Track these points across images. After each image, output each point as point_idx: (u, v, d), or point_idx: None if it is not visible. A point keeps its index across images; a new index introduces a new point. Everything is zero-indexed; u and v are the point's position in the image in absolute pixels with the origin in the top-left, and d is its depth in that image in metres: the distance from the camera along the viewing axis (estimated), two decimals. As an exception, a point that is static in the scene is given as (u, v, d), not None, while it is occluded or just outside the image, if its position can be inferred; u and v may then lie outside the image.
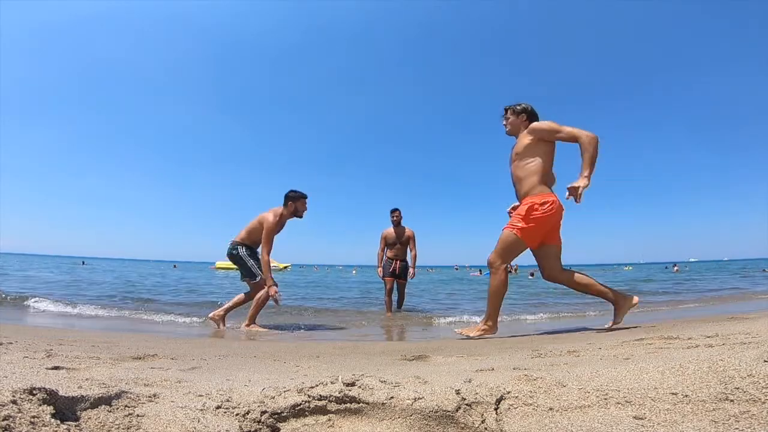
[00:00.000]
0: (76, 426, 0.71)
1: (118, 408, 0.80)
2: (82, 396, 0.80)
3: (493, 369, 1.24)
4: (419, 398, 0.85)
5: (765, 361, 0.81)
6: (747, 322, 2.16)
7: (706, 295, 6.54)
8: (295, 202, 3.69)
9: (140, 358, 1.63)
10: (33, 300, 4.99)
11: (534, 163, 2.63)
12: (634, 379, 0.86)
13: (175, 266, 32.22)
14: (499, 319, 2.75)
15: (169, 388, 0.98)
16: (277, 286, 3.57)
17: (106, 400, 0.82)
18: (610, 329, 2.61)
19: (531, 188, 2.61)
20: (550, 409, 0.80)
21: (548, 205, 2.54)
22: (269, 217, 3.57)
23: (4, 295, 5.32)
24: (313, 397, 0.89)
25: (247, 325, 3.49)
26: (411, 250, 5.40)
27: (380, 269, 5.32)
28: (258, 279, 3.60)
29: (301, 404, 0.87)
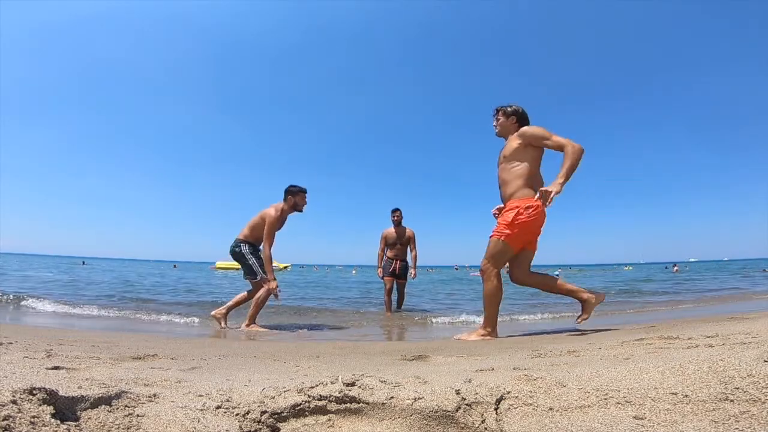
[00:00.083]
0: (76, 426, 0.71)
1: (118, 408, 0.80)
2: (82, 396, 0.80)
3: (493, 369, 1.24)
4: (419, 398, 0.85)
5: (765, 361, 0.81)
6: (747, 322, 2.16)
7: (706, 295, 6.54)
8: (294, 197, 3.72)
9: (140, 358, 1.63)
10: (31, 300, 4.99)
11: (521, 167, 2.64)
12: (634, 379, 0.86)
13: (175, 266, 32.22)
14: (499, 319, 2.75)
15: (169, 388, 0.98)
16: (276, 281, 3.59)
17: (106, 400, 0.82)
18: (578, 322, 2.75)
19: (516, 191, 2.63)
20: (550, 409, 0.80)
21: (532, 209, 2.55)
22: (271, 211, 3.60)
23: (1, 295, 5.32)
24: (313, 397, 0.89)
25: (247, 325, 3.50)
26: (411, 251, 5.41)
27: (380, 270, 5.32)
28: (258, 278, 3.60)
29: (301, 404, 0.87)
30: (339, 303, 6.36)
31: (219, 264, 29.06)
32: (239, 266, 3.82)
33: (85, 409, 0.78)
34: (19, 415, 0.65)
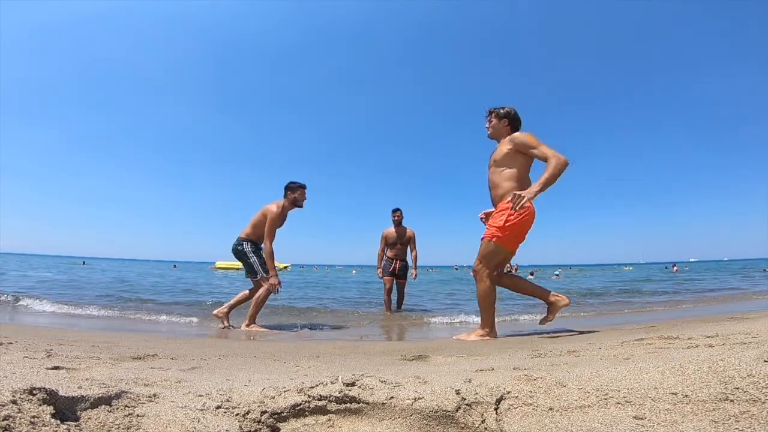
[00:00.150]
0: (76, 426, 0.71)
1: (118, 408, 0.80)
2: (82, 396, 0.80)
3: (493, 369, 1.24)
4: (419, 398, 0.85)
5: (765, 361, 0.81)
6: (747, 322, 2.16)
7: (706, 295, 6.54)
8: (294, 192, 3.75)
9: (140, 358, 1.63)
10: (29, 300, 4.99)
11: (511, 172, 2.66)
12: (634, 379, 0.86)
13: (175, 266, 32.22)
14: (498, 319, 2.75)
15: (169, 388, 0.98)
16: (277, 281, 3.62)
17: (106, 400, 0.82)
18: (542, 324, 2.85)
19: (506, 193, 2.64)
20: (550, 409, 0.80)
21: (523, 210, 2.55)
22: (272, 208, 3.65)
23: (0, 295, 5.32)
24: (313, 397, 0.89)
25: (247, 325, 3.50)
26: (412, 251, 5.41)
27: (380, 270, 5.32)
28: (258, 276, 3.61)
29: (301, 404, 0.87)
30: (339, 303, 6.36)
31: (219, 264, 29.07)
32: (239, 266, 3.83)
33: (85, 409, 0.78)
34: (19, 415, 0.65)
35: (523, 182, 2.67)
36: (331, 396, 0.89)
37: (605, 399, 0.80)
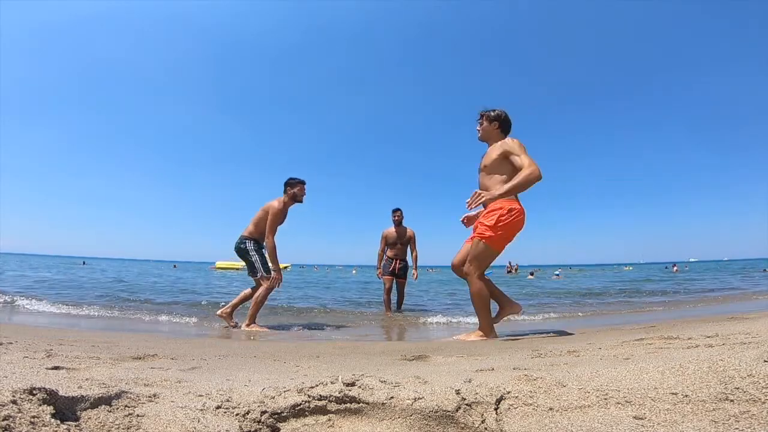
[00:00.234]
0: (76, 426, 0.71)
1: (118, 408, 0.80)
2: (82, 396, 0.80)
3: (493, 369, 1.24)
4: (419, 398, 0.85)
5: (765, 361, 0.81)
6: (747, 322, 2.16)
7: (706, 295, 6.54)
8: (293, 188, 3.78)
9: (140, 358, 1.63)
10: (27, 300, 4.98)
11: (500, 178, 2.68)
12: (634, 379, 0.86)
13: (175, 266, 32.21)
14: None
15: (169, 388, 0.98)
16: (280, 276, 3.68)
17: (106, 400, 0.82)
18: (496, 322, 2.83)
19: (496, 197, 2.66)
20: (550, 409, 0.80)
21: (515, 212, 2.59)
22: (274, 203, 3.69)
23: None
24: (313, 397, 0.89)
25: (247, 325, 3.50)
26: (412, 251, 5.41)
27: (380, 270, 5.32)
28: (258, 275, 3.62)
29: (301, 404, 0.87)
30: (339, 303, 6.36)
31: (219, 264, 29.07)
32: (239, 266, 3.86)
33: (85, 409, 0.78)
34: (19, 415, 0.65)
35: None
36: (331, 396, 0.89)
37: (605, 399, 0.80)
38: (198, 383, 1.06)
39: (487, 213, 2.66)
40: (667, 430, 0.69)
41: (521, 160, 2.54)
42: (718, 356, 0.91)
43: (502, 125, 2.81)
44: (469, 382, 0.93)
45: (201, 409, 0.83)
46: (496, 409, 0.81)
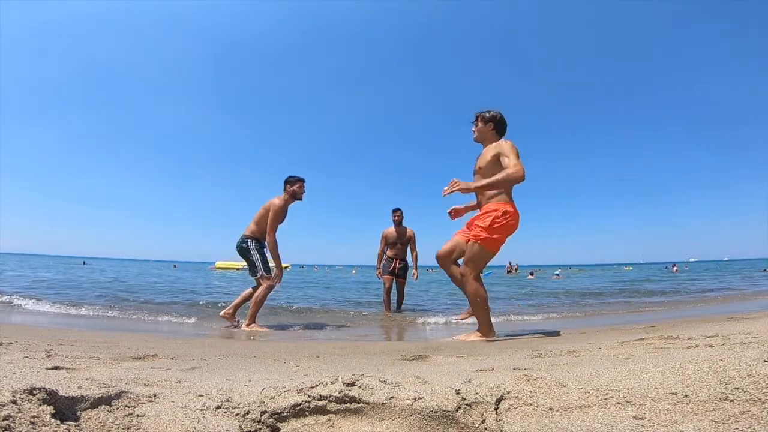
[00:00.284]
0: (76, 426, 0.71)
1: (118, 408, 0.80)
2: (82, 396, 0.80)
3: (493, 369, 1.24)
4: (419, 398, 0.85)
5: (765, 361, 0.81)
6: (747, 322, 2.16)
7: (705, 295, 6.54)
8: (293, 185, 3.80)
9: (140, 358, 1.63)
10: (27, 300, 4.98)
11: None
12: (634, 379, 0.86)
13: (175, 266, 32.20)
14: (497, 319, 2.76)
15: (169, 388, 0.98)
16: (281, 274, 3.74)
17: (106, 400, 0.82)
18: (459, 320, 2.97)
19: (492, 197, 2.69)
20: (550, 409, 0.80)
21: (510, 214, 2.63)
22: (275, 201, 3.72)
23: None
24: (313, 397, 0.89)
25: (247, 325, 3.51)
26: (412, 252, 5.41)
27: (379, 270, 5.32)
28: (258, 275, 3.63)
29: (301, 404, 0.87)
30: (339, 303, 6.36)
31: (218, 264, 29.07)
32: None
33: (85, 409, 0.78)
34: (19, 415, 0.65)
35: (507, 190, 2.71)
36: (331, 396, 0.89)
37: (605, 399, 0.80)
38: (198, 383, 1.06)
39: (482, 215, 2.68)
40: (667, 430, 0.69)
41: (509, 160, 2.57)
42: (718, 356, 0.91)
43: (497, 126, 2.83)
44: (469, 382, 0.93)
45: (201, 409, 0.83)
46: (496, 409, 0.81)
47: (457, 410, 0.82)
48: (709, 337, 1.62)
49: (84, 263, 29.87)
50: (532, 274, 16.96)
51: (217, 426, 0.77)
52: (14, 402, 0.67)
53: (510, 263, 22.68)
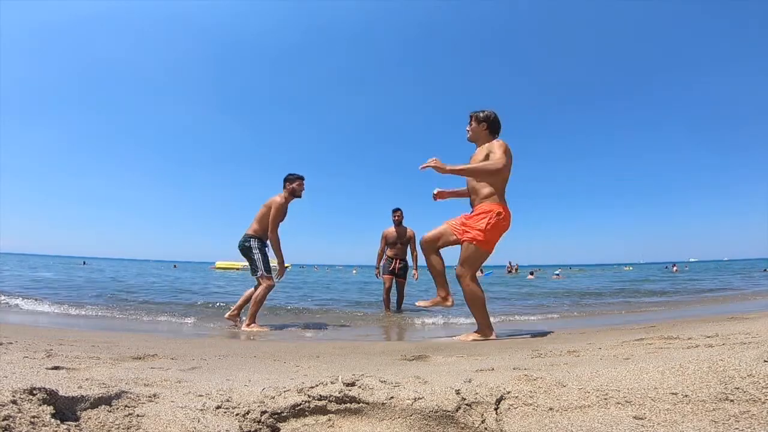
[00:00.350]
0: (76, 426, 0.71)
1: (118, 408, 0.80)
2: (82, 396, 0.80)
3: (493, 369, 1.24)
4: (419, 398, 0.85)
5: (765, 361, 0.81)
6: (747, 322, 2.16)
7: (705, 295, 6.54)
8: (292, 183, 3.83)
9: (140, 358, 1.63)
10: (25, 300, 4.98)
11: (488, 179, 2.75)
12: (634, 379, 0.86)
13: (175, 266, 32.19)
14: (497, 320, 2.77)
15: (169, 388, 0.98)
16: (283, 270, 3.84)
17: (106, 400, 0.82)
18: (425, 306, 3.07)
19: (485, 198, 2.73)
20: (550, 409, 0.80)
21: (502, 215, 2.68)
22: (277, 198, 3.75)
23: None
24: (313, 397, 0.89)
25: (248, 325, 3.51)
26: (412, 252, 5.40)
27: (378, 270, 5.33)
28: (259, 274, 3.64)
29: (301, 404, 0.87)
30: (339, 303, 6.36)
31: (218, 264, 29.06)
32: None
33: (85, 409, 0.78)
34: (19, 415, 0.65)
35: (501, 188, 2.75)
36: (331, 396, 0.89)
37: (605, 399, 0.80)
38: (198, 383, 1.06)
39: (476, 215, 2.71)
40: (667, 430, 0.69)
41: (493, 155, 2.64)
42: (718, 356, 0.91)
43: (491, 126, 2.85)
44: (469, 382, 0.93)
45: (201, 409, 0.83)
46: (496, 409, 0.81)
47: (457, 410, 0.82)
48: (709, 337, 1.62)
49: (84, 263, 29.88)
50: (532, 274, 16.96)
51: (217, 426, 0.77)
52: (14, 402, 0.67)
53: (510, 263, 22.68)
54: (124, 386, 0.92)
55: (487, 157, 2.68)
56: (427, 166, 2.63)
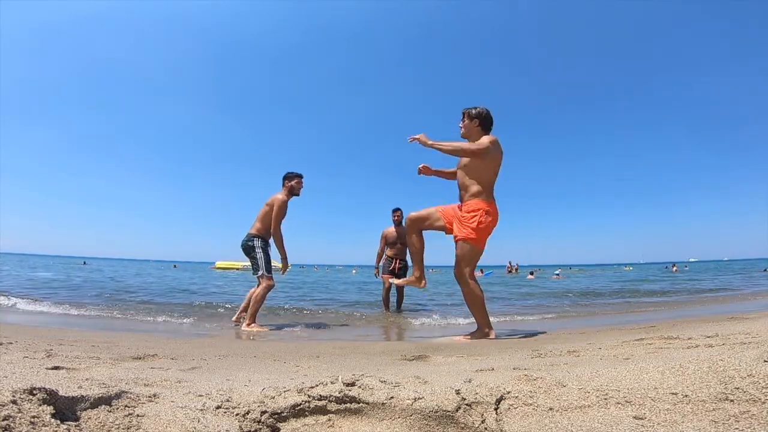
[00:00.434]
0: (76, 426, 0.71)
1: (118, 408, 0.80)
2: (82, 396, 0.80)
3: (493, 369, 1.24)
4: (419, 398, 0.86)
5: (765, 361, 0.81)
6: (747, 322, 2.16)
7: (705, 295, 6.54)
8: (291, 181, 3.86)
9: (140, 358, 1.63)
10: (25, 300, 4.98)
11: (478, 175, 2.79)
12: (634, 379, 0.86)
13: (175, 266, 32.19)
14: (497, 320, 2.77)
15: (169, 388, 0.98)
16: (287, 265, 3.87)
17: (106, 400, 0.82)
18: (398, 284, 3.22)
19: (473, 195, 2.76)
20: (550, 409, 0.80)
21: (490, 213, 2.74)
22: (279, 196, 3.78)
23: None
24: (313, 397, 0.89)
25: (248, 325, 3.51)
26: (411, 252, 5.41)
27: (377, 270, 5.33)
28: (259, 273, 3.65)
29: (301, 404, 0.87)
30: (339, 303, 6.36)
31: (219, 264, 29.06)
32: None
33: (85, 409, 0.78)
34: (19, 415, 0.65)
35: (490, 186, 2.78)
36: (331, 396, 0.89)
37: (605, 399, 0.80)
38: (198, 383, 1.06)
39: (468, 214, 2.74)
40: (667, 430, 0.69)
41: (474, 141, 2.75)
42: (718, 356, 0.91)
43: (483, 123, 2.87)
44: (469, 382, 0.93)
45: (201, 409, 0.83)
46: (496, 409, 0.81)
47: (457, 410, 0.82)
48: (709, 337, 1.62)
49: (84, 263, 29.87)
50: (532, 274, 16.95)
51: (217, 426, 0.77)
52: (14, 402, 0.67)
53: (510, 263, 22.67)
54: (124, 386, 0.92)
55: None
56: (415, 139, 2.79)
